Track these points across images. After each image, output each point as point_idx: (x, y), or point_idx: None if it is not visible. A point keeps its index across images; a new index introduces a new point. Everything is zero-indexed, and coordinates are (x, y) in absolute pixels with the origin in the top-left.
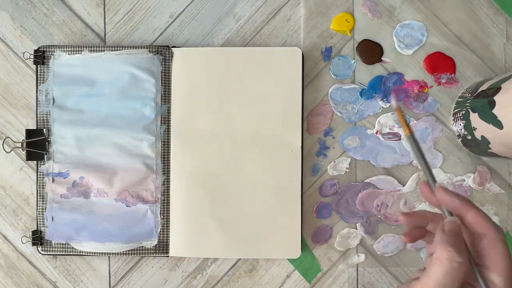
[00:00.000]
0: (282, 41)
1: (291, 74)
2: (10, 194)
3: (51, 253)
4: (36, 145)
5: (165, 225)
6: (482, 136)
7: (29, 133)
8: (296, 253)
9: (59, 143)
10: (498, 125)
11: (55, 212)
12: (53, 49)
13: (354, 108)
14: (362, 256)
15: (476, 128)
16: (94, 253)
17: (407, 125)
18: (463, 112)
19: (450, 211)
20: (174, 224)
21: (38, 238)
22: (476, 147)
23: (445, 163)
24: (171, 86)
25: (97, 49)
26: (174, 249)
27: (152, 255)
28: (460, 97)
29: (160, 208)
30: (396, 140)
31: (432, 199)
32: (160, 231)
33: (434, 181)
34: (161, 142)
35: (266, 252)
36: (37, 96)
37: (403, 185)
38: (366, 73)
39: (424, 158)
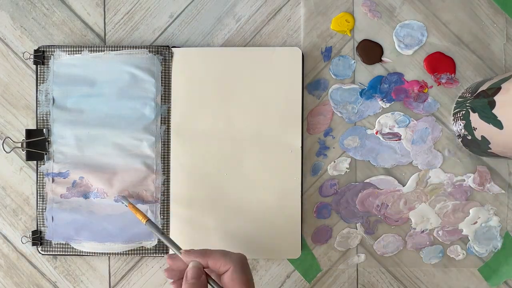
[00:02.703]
0: (282, 41)
1: (291, 74)
2: (10, 194)
3: (51, 253)
4: (36, 145)
5: (165, 225)
6: (482, 136)
7: (29, 133)
8: (296, 253)
9: (59, 143)
10: (498, 125)
11: (55, 212)
12: (53, 49)
13: (354, 108)
14: (362, 256)
15: (476, 128)
16: (94, 253)
17: (142, 213)
18: (463, 112)
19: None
20: (174, 224)
21: (38, 238)
22: (476, 147)
23: (445, 163)
24: (171, 86)
25: (97, 49)
26: None
27: (152, 255)
28: (460, 97)
29: (160, 208)
30: (396, 140)
31: (175, 265)
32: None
33: (179, 249)
34: (161, 142)
35: (266, 252)
36: (37, 96)
37: (403, 185)
38: (366, 73)
39: (164, 235)
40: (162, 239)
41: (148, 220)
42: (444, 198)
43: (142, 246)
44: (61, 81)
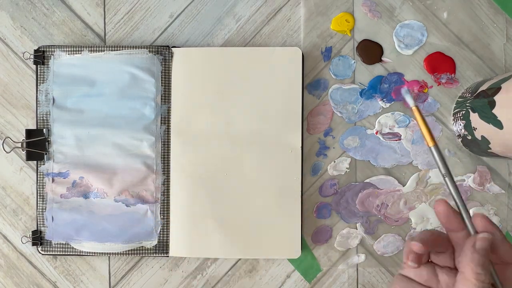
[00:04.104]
0: (282, 41)
1: (291, 74)
2: (10, 194)
3: (51, 253)
4: (36, 145)
5: (165, 225)
6: (482, 136)
7: (29, 133)
8: (296, 253)
9: (59, 143)
10: (498, 125)
11: (55, 212)
12: (53, 49)
13: (354, 108)
14: (362, 256)
15: (476, 128)
16: (94, 253)
17: (430, 133)
18: (463, 112)
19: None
20: (174, 224)
21: (38, 238)
22: (476, 147)
23: None
24: (171, 86)
25: (97, 49)
26: (174, 249)
27: (152, 255)
28: (460, 97)
29: (160, 208)
30: (396, 140)
31: (450, 221)
32: (160, 231)
33: (464, 205)
34: (161, 142)
35: (266, 252)
36: (37, 96)
37: (403, 185)
38: (366, 73)
39: (452, 179)
40: (447, 181)
41: (436, 145)
42: (444, 198)
43: (142, 246)
44: (61, 81)
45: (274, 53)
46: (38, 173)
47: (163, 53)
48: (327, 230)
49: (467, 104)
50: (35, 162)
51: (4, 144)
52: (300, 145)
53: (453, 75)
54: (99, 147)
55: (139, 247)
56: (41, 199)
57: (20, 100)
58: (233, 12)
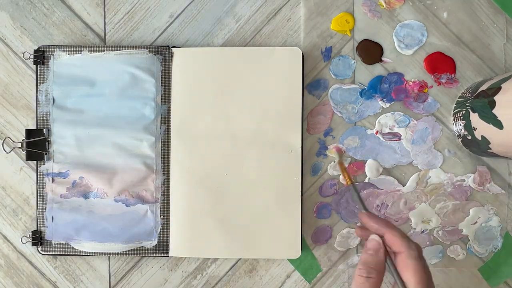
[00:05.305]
0: (282, 41)
1: (291, 74)
2: (10, 194)
3: (51, 253)
4: (36, 145)
5: (165, 225)
6: (482, 136)
7: (29, 133)
8: (296, 253)
9: (59, 143)
10: (498, 125)
11: (55, 212)
12: (53, 49)
13: (354, 108)
14: None
15: (476, 128)
16: (94, 253)
17: (349, 176)
18: (463, 112)
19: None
20: (174, 224)
21: (38, 238)
22: (476, 147)
23: (445, 163)
24: (171, 86)
25: (97, 49)
26: (174, 249)
27: (152, 255)
28: (460, 97)
29: (160, 208)
30: (396, 140)
31: (363, 232)
32: (160, 231)
33: (365, 209)
34: (161, 142)
35: (266, 252)
36: (37, 96)
37: (403, 185)
38: (366, 73)
39: (358, 194)
40: (356, 197)
41: (352, 184)
42: (444, 198)
43: (142, 246)
44: (61, 81)
45: (274, 53)
46: (38, 173)
47: (163, 53)
48: (327, 230)
49: (467, 104)
50: (35, 162)
51: (4, 144)
52: (300, 145)
53: (453, 75)
54: (99, 147)
55: (139, 247)
56: (41, 199)
57: (20, 100)
58: (233, 12)
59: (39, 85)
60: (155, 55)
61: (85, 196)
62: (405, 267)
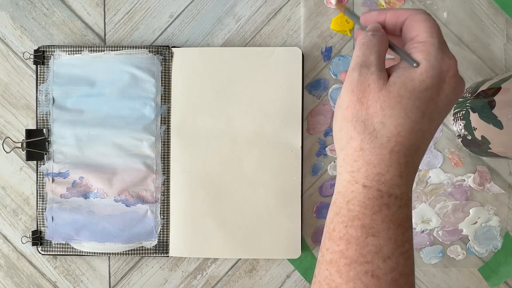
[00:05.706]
0: (282, 41)
1: (291, 74)
2: (10, 194)
3: (51, 253)
4: (36, 145)
5: (165, 225)
6: (482, 136)
7: (29, 133)
8: (296, 253)
9: (59, 143)
10: (498, 125)
11: (55, 212)
12: (53, 49)
13: None
14: None
15: (476, 128)
16: (94, 253)
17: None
18: (463, 112)
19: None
20: (174, 224)
21: (38, 238)
22: (476, 147)
23: (445, 163)
24: (171, 86)
25: (97, 49)
26: (174, 249)
27: (152, 255)
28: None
29: (160, 208)
30: None
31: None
32: (160, 231)
33: (357, 17)
34: (161, 142)
35: (266, 252)
36: (37, 96)
37: None
38: None
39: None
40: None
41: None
42: (444, 198)
43: (142, 246)
44: (61, 81)
45: (274, 53)
46: (38, 173)
47: (163, 53)
48: None
49: (467, 104)
50: (35, 162)
51: (4, 144)
52: (300, 145)
53: None
54: (99, 147)
55: (139, 247)
56: (41, 199)
57: (20, 100)
58: (233, 12)
59: (39, 85)
60: (155, 55)
61: (85, 196)
62: (415, 22)
